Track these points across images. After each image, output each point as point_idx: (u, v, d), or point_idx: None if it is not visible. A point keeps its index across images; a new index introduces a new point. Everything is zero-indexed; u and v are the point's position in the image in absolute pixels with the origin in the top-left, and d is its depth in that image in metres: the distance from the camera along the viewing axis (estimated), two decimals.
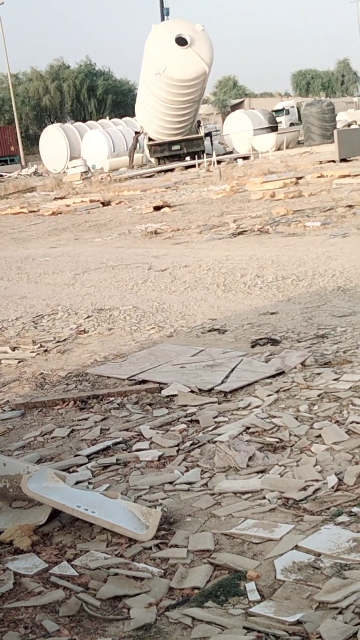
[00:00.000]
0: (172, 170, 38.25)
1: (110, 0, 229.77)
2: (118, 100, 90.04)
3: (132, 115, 53.48)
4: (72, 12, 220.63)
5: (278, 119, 53.90)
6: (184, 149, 42.76)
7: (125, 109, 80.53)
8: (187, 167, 38.60)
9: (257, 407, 5.62)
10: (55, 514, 4.19)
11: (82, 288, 11.54)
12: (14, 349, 8.31)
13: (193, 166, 38.40)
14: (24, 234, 20.54)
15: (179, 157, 42.44)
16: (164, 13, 52.40)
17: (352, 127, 44.03)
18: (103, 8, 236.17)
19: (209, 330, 8.08)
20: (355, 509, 3.92)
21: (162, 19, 51.05)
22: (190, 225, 17.02)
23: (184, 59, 39.31)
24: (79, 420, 5.91)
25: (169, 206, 21.10)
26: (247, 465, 4.67)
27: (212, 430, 5.33)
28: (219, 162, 36.93)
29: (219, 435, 5.18)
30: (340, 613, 3.09)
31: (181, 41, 39.41)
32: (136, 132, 45.16)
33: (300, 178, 23.61)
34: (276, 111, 63.54)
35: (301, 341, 7.21)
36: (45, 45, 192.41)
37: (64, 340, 8.46)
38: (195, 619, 3.18)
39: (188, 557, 3.70)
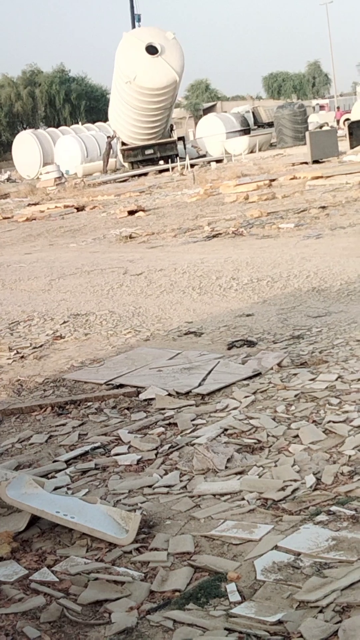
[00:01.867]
0: (145, 174, 38.25)
1: (82, 6, 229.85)
2: (91, 106, 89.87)
3: (105, 120, 53.41)
4: (44, 18, 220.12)
5: None
6: (157, 153, 42.76)
7: (98, 114, 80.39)
8: (160, 171, 38.64)
9: (235, 408, 5.64)
10: (34, 520, 4.17)
11: (58, 294, 11.51)
12: None
13: (167, 170, 38.44)
14: None
15: (153, 161, 42.44)
16: (135, 19, 52.35)
17: (324, 128, 44.24)
18: (75, 13, 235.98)
19: (186, 333, 8.09)
20: (333, 508, 3.94)
21: (133, 26, 51.02)
22: (165, 229, 17.04)
23: (154, 68, 39.34)
24: (57, 425, 5.89)
25: (143, 210, 21.10)
26: (226, 467, 4.68)
27: (190, 432, 5.34)
28: (192, 165, 36.98)
29: (197, 437, 5.18)
30: (320, 612, 3.11)
31: (151, 50, 39.42)
32: (108, 137, 45.10)
33: (274, 180, 23.71)
34: None
35: (277, 342, 7.24)
36: (18, 52, 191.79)
37: (41, 346, 8.44)
38: (176, 622, 3.19)
39: (168, 560, 3.70)
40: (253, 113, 61.68)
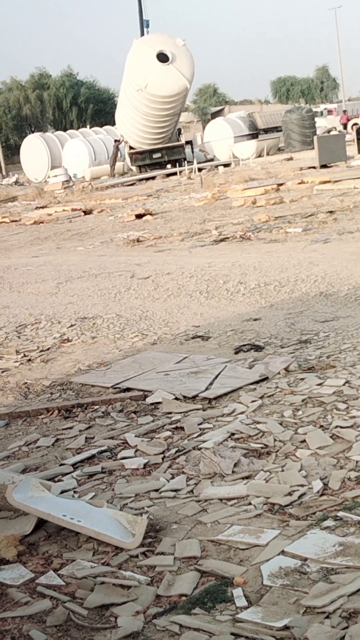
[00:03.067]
0: (153, 178, 38.30)
1: (90, 10, 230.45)
2: (99, 109, 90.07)
3: (113, 123, 53.50)
4: (52, 22, 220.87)
5: None
6: (165, 156, 42.84)
7: (105, 117, 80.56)
8: (168, 175, 38.66)
9: (242, 413, 5.63)
10: (41, 523, 4.17)
11: (65, 297, 11.52)
12: None
13: (174, 174, 38.48)
14: (6, 243, 20.48)
15: (160, 165, 42.52)
16: (144, 25, 52.25)
17: (332, 133, 44.25)
18: (83, 17, 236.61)
19: (193, 337, 8.08)
20: (340, 513, 3.93)
21: (142, 31, 50.98)
22: (172, 233, 17.04)
23: (165, 76, 39.44)
24: (64, 429, 5.89)
25: (150, 214, 21.11)
26: (233, 472, 4.68)
27: (197, 437, 5.33)
28: (200, 169, 37.01)
29: (204, 441, 5.18)
30: (327, 617, 3.10)
31: (162, 57, 39.51)
32: (116, 140, 45.20)
33: (281, 184, 23.70)
34: None
35: (284, 347, 7.23)
36: (26, 55, 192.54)
37: (48, 349, 8.44)
38: (182, 626, 3.18)
39: (175, 564, 3.70)
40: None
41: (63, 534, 4.11)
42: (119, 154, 44.91)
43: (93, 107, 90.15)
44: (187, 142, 44.99)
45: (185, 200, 24.37)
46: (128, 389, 6.59)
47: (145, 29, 51.89)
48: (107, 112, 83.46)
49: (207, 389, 6.26)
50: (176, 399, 6.14)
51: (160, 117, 41.53)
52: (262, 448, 4.97)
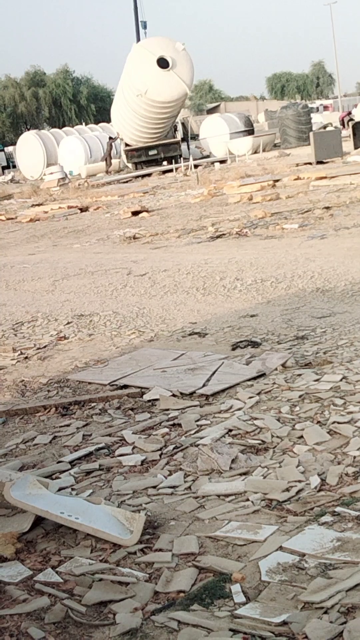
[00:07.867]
0: (149, 175, 38.23)
1: (87, 7, 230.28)
2: (97, 106, 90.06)
3: (109, 120, 53.36)
4: (48, 19, 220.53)
5: None
6: (160, 153, 42.76)
7: (102, 114, 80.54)
8: (164, 172, 38.61)
9: (239, 409, 5.64)
10: (38, 521, 4.17)
11: (62, 294, 11.51)
12: None
13: (170, 171, 38.44)
14: (2, 241, 20.45)
15: (156, 162, 42.44)
16: (142, 26, 51.75)
17: (328, 129, 44.20)
18: (80, 15, 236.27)
19: (190, 334, 8.08)
20: (338, 509, 3.94)
21: (137, 33, 50.58)
22: (169, 230, 17.03)
23: (165, 82, 39.33)
24: (61, 426, 5.89)
25: (147, 211, 21.09)
26: (230, 468, 4.68)
27: (195, 433, 5.33)
28: (196, 166, 36.97)
29: (201, 438, 5.18)
30: (325, 613, 3.11)
31: (163, 63, 39.39)
32: (110, 138, 45.11)
33: (277, 181, 23.69)
34: None
35: (281, 343, 7.23)
36: (21, 53, 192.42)
37: (45, 346, 8.44)
38: (181, 623, 3.18)
39: (173, 560, 3.70)
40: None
41: (61, 531, 4.11)
42: (114, 151, 44.82)
43: (91, 104, 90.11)
44: (183, 139, 44.90)
45: (182, 197, 24.34)
46: (125, 386, 6.59)
47: (142, 30, 51.54)
48: (104, 110, 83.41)
49: (204, 385, 6.26)
50: (173, 395, 6.14)
51: (159, 120, 41.56)
52: (259, 444, 4.98)
